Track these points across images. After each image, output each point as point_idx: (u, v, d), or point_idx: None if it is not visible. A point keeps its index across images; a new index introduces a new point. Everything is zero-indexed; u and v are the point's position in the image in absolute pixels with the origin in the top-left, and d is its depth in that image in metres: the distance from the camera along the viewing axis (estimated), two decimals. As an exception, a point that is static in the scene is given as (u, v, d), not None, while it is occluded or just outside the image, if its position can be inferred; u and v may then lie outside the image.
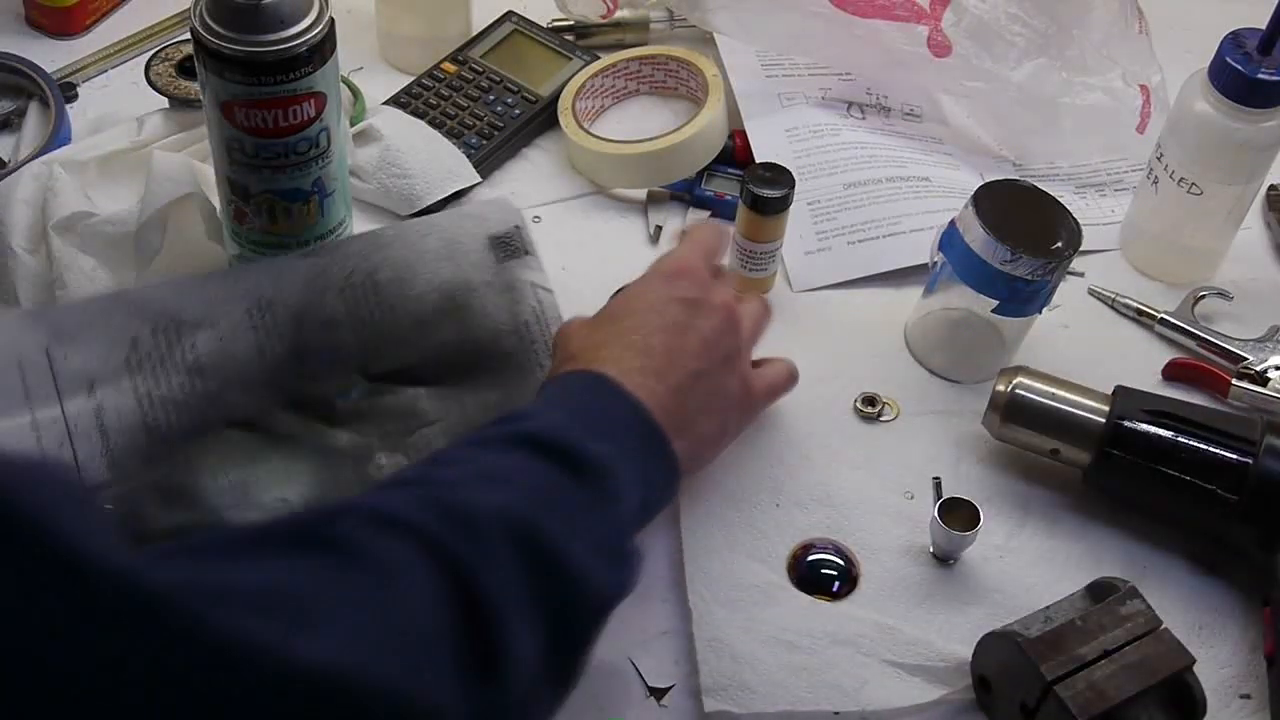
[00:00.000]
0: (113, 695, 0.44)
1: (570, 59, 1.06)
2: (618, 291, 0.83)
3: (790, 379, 0.85)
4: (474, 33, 1.08)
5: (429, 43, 1.07)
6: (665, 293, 0.77)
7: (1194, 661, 0.72)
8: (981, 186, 0.86)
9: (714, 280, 0.80)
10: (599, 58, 1.06)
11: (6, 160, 0.98)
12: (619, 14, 1.09)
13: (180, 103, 0.95)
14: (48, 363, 0.81)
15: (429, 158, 0.97)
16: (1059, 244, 0.84)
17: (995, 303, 0.85)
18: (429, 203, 0.96)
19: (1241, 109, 0.88)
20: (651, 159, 0.98)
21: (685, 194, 1.00)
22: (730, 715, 0.74)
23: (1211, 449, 0.80)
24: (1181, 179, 0.93)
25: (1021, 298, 0.85)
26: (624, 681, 0.76)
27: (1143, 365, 0.93)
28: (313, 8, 0.79)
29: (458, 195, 0.97)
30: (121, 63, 1.06)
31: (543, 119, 1.03)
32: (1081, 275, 0.98)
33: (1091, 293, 0.98)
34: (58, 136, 0.97)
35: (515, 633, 0.57)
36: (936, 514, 0.80)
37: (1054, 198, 0.87)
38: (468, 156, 0.99)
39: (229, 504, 0.78)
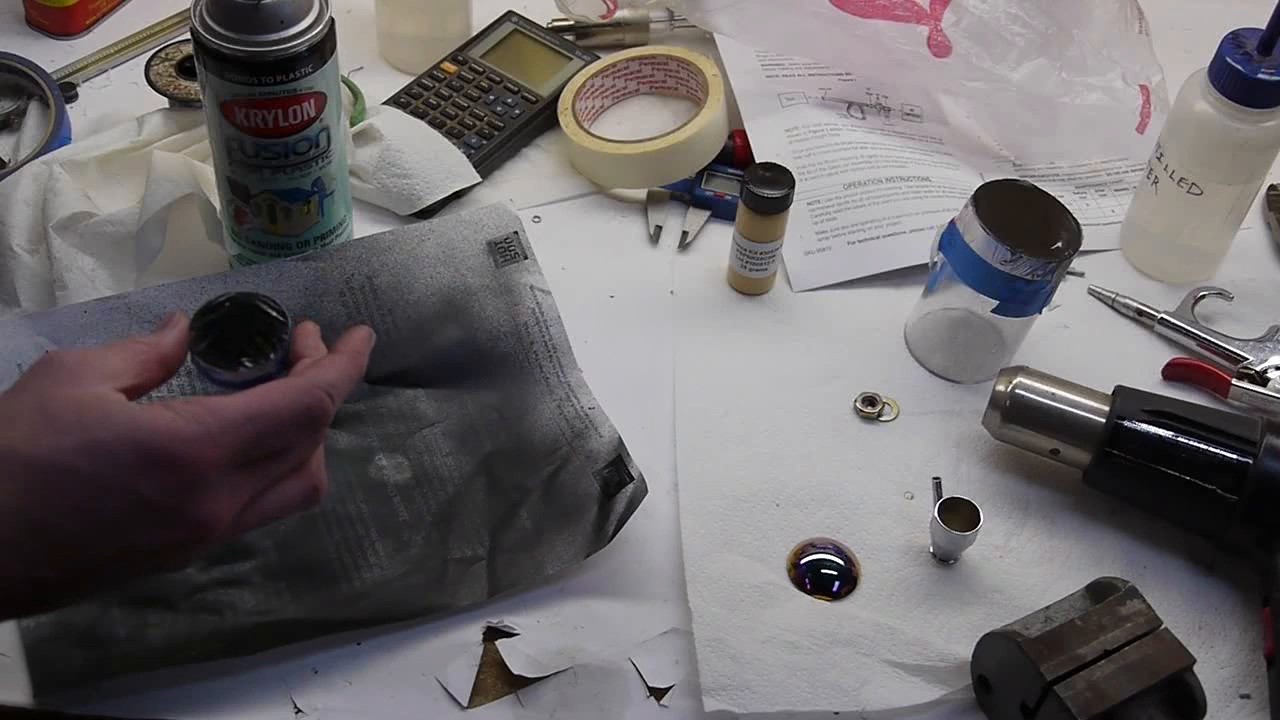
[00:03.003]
0: None
1: (570, 59, 1.06)
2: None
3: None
4: (474, 33, 1.08)
5: (429, 43, 1.07)
6: (123, 480, 0.56)
7: (1194, 661, 0.72)
8: (981, 186, 0.86)
9: (224, 479, 0.58)
10: (599, 58, 1.06)
11: (6, 160, 0.98)
12: (619, 14, 1.09)
13: (180, 103, 0.95)
14: (48, 363, 0.81)
15: (429, 158, 0.97)
16: (1059, 244, 0.84)
17: (995, 303, 0.85)
18: (429, 203, 0.96)
19: (1241, 109, 0.88)
20: (651, 159, 0.98)
21: (685, 194, 1.00)
22: (730, 715, 0.74)
23: (1211, 449, 0.80)
24: (1181, 179, 0.93)
25: (1021, 298, 0.85)
26: (624, 681, 0.76)
27: (1143, 365, 0.93)
28: (313, 8, 0.79)
29: (458, 195, 0.98)
30: (121, 63, 1.06)
31: (543, 119, 1.03)
32: (1081, 275, 0.98)
33: (1091, 293, 0.98)
34: (58, 136, 0.97)
35: None
36: (936, 514, 0.80)
37: (1054, 198, 0.87)
38: (468, 156, 0.99)
39: (229, 504, 0.78)
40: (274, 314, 0.64)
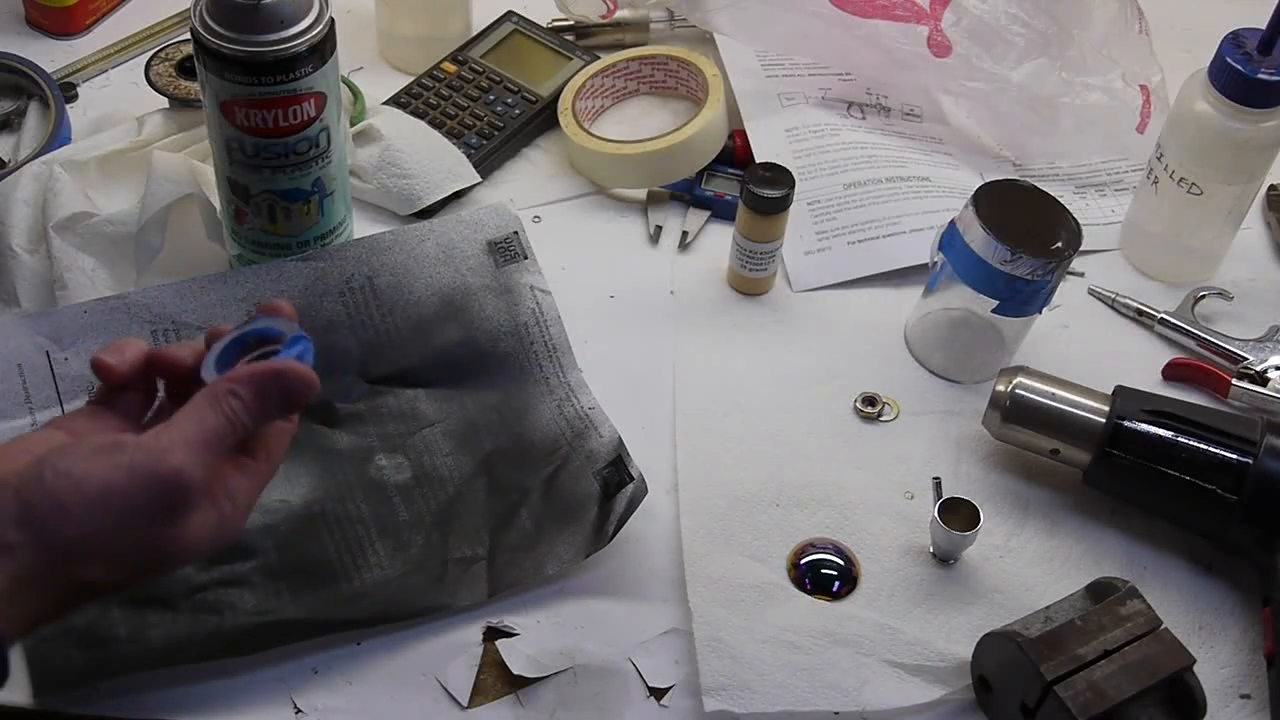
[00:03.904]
0: None
1: (570, 59, 1.06)
2: None
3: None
4: (474, 33, 1.08)
5: (429, 43, 1.07)
6: (136, 522, 0.57)
7: (1194, 661, 0.72)
8: (981, 186, 0.86)
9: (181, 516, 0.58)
10: (599, 58, 1.06)
11: (6, 160, 0.98)
12: (619, 14, 1.09)
13: (180, 103, 0.95)
14: (48, 365, 0.81)
15: (429, 158, 0.97)
16: (1059, 244, 0.84)
17: (995, 303, 0.85)
18: (429, 203, 0.96)
19: (1241, 109, 0.88)
20: (651, 159, 0.98)
21: (685, 194, 1.00)
22: (730, 715, 0.74)
23: (1211, 449, 0.80)
24: (1181, 179, 0.93)
25: (1021, 298, 0.85)
26: (624, 681, 0.76)
27: (1143, 365, 0.93)
28: (313, 8, 0.79)
29: (458, 195, 0.97)
30: (121, 63, 1.06)
31: (543, 119, 1.03)
32: (1081, 275, 0.98)
33: (1091, 293, 0.98)
34: (58, 136, 0.97)
35: None
36: (936, 514, 0.80)
37: (1054, 198, 0.87)
38: (468, 156, 0.99)
39: (229, 504, 0.78)
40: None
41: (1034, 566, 0.82)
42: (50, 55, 1.05)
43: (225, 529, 0.60)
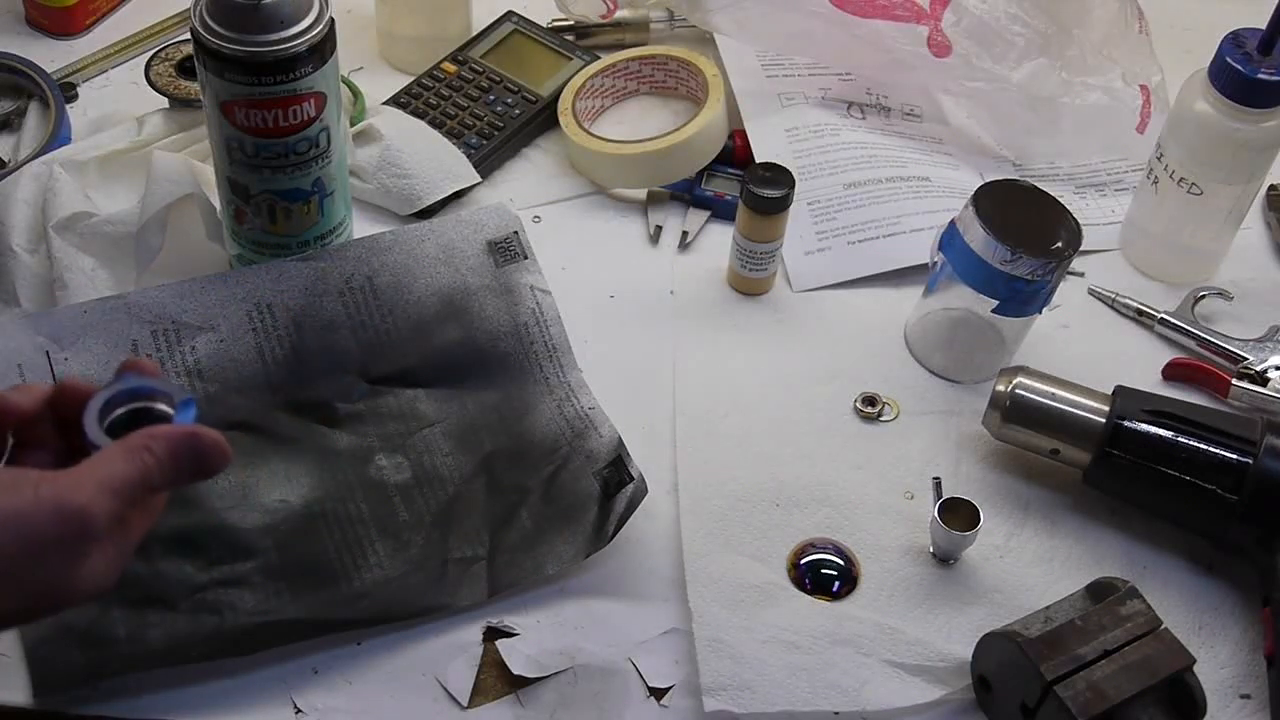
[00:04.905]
0: None
1: (570, 59, 1.06)
2: None
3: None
4: (474, 33, 1.08)
5: (429, 43, 1.07)
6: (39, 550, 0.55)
7: (1194, 661, 0.72)
8: (981, 186, 0.86)
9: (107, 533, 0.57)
10: (599, 58, 1.06)
11: (6, 160, 0.98)
12: (619, 14, 1.09)
13: (180, 103, 0.95)
14: (48, 365, 0.81)
15: (429, 158, 0.97)
16: (1059, 244, 0.84)
17: (995, 303, 0.85)
18: (429, 203, 0.96)
19: (1241, 109, 0.88)
20: (651, 159, 0.98)
21: (685, 194, 1.00)
22: (730, 715, 0.74)
23: (1211, 449, 0.80)
24: (1181, 179, 0.93)
25: (1021, 298, 0.85)
26: (624, 681, 0.76)
27: (1143, 365, 0.93)
28: (313, 8, 0.79)
29: (458, 195, 0.97)
30: (121, 63, 1.07)
31: (543, 119, 1.03)
32: (1081, 275, 0.98)
33: (1091, 293, 0.98)
34: (58, 136, 0.97)
35: None
36: (936, 514, 0.80)
37: (1054, 198, 0.87)
38: (468, 156, 0.99)
39: (229, 505, 0.78)
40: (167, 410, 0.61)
41: (1034, 566, 0.82)
42: (50, 55, 1.05)
43: (113, 577, 0.58)
